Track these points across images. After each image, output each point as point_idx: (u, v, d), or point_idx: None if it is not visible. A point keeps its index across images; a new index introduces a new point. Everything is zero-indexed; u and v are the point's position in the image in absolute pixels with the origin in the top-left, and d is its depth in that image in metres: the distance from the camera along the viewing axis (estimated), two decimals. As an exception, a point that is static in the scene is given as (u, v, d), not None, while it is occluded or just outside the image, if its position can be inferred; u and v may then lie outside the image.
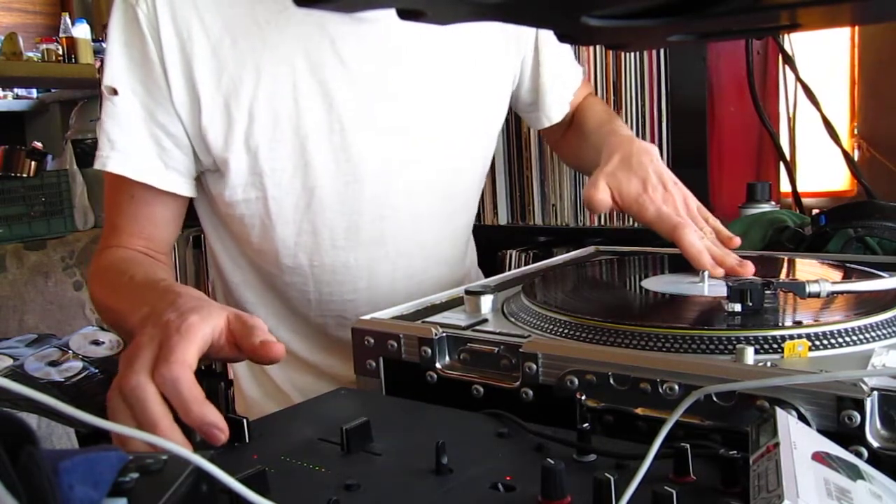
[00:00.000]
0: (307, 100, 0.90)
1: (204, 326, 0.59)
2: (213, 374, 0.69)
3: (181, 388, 0.55)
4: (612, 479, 0.41)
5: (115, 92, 0.87)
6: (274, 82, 0.88)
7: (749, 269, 0.77)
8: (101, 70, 0.94)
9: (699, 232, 0.82)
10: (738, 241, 0.85)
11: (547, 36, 1.06)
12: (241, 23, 0.87)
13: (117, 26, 0.87)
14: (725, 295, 0.65)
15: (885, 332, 0.60)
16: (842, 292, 0.67)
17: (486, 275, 1.14)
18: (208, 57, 0.87)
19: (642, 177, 0.86)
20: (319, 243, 0.96)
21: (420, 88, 0.96)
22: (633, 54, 1.40)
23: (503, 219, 1.62)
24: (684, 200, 0.87)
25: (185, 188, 0.92)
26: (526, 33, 1.06)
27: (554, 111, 1.12)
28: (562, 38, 0.44)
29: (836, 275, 0.79)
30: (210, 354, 0.61)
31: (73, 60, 3.16)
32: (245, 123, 0.89)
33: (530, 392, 0.61)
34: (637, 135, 1.49)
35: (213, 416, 0.55)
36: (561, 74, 1.10)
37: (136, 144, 0.88)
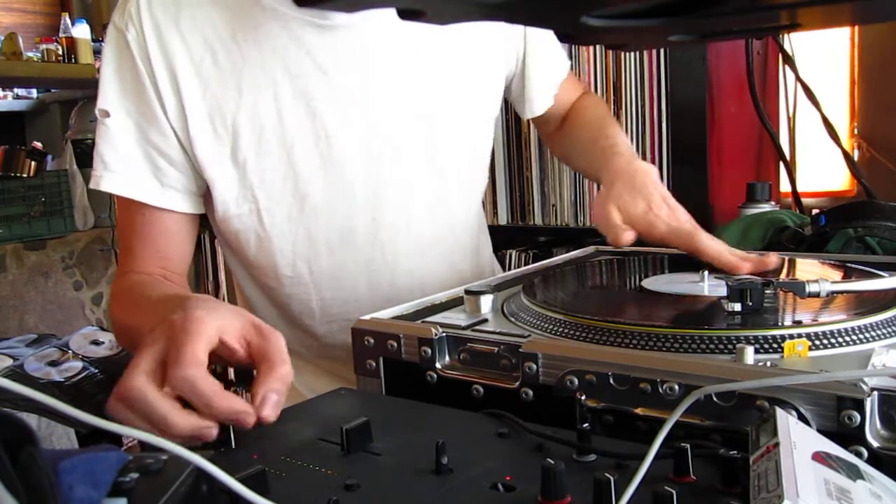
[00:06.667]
0: (290, 110, 0.91)
1: (209, 321, 0.59)
2: (212, 374, 0.69)
3: (198, 386, 0.55)
4: (612, 479, 0.41)
5: (107, 114, 0.90)
6: (256, 96, 0.90)
7: (773, 261, 0.79)
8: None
9: (714, 238, 0.84)
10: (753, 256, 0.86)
11: (534, 28, 1.06)
12: (222, 41, 0.89)
13: (109, 52, 0.90)
14: (725, 294, 0.65)
15: (885, 331, 0.59)
16: (841, 292, 0.67)
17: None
18: (192, 76, 0.89)
19: (646, 197, 0.88)
20: (316, 250, 0.96)
21: (401, 90, 0.96)
22: (633, 54, 1.40)
23: (503, 219, 1.62)
24: (689, 219, 0.88)
25: (185, 205, 0.93)
26: (518, 27, 1.06)
27: (536, 103, 1.12)
28: (562, 37, 0.44)
29: (836, 275, 0.78)
30: (223, 356, 0.61)
31: (73, 60, 3.16)
32: (230, 138, 0.90)
33: (530, 392, 0.61)
34: (637, 135, 1.49)
35: (239, 404, 0.55)
36: (545, 66, 1.11)
37: (130, 164, 0.90)
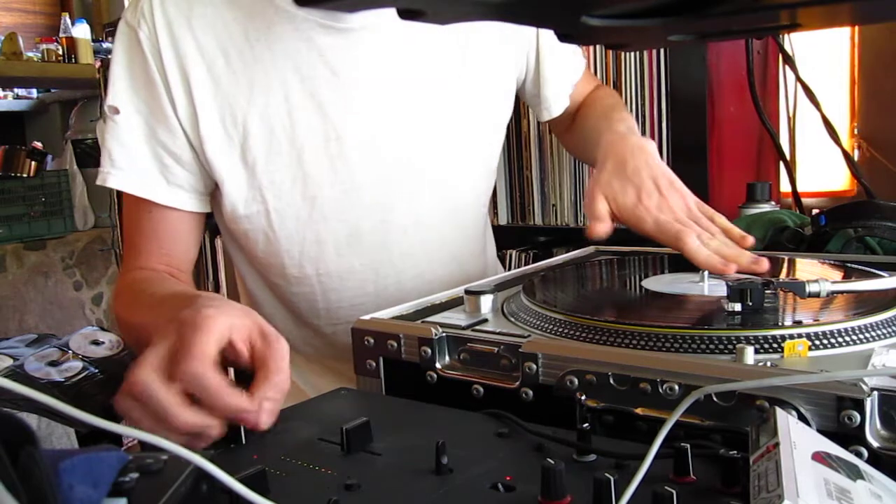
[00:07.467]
0: (301, 112, 0.91)
1: (220, 319, 0.59)
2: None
3: (205, 382, 0.55)
4: (612, 479, 0.41)
5: (117, 111, 0.90)
6: (267, 97, 0.90)
7: (764, 266, 0.75)
8: (103, 78, 0.96)
9: (705, 234, 0.80)
10: (751, 240, 0.82)
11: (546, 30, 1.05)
12: (234, 42, 0.89)
13: (120, 49, 0.90)
14: (725, 294, 0.65)
15: (885, 331, 0.59)
16: (842, 292, 0.67)
17: (486, 275, 1.14)
18: (203, 75, 0.88)
19: (637, 185, 0.84)
20: (324, 251, 0.96)
21: (412, 93, 0.96)
22: (633, 54, 1.40)
23: (503, 219, 1.62)
24: (683, 202, 0.85)
25: (191, 204, 0.93)
26: (527, 28, 1.06)
27: (553, 104, 1.11)
28: (562, 37, 0.44)
29: (836, 275, 0.78)
30: (227, 356, 0.61)
31: (73, 60, 3.16)
32: (241, 138, 0.90)
33: (530, 392, 0.61)
34: (637, 135, 1.48)
35: (244, 402, 0.55)
36: (561, 67, 1.10)
37: (137, 161, 0.90)
